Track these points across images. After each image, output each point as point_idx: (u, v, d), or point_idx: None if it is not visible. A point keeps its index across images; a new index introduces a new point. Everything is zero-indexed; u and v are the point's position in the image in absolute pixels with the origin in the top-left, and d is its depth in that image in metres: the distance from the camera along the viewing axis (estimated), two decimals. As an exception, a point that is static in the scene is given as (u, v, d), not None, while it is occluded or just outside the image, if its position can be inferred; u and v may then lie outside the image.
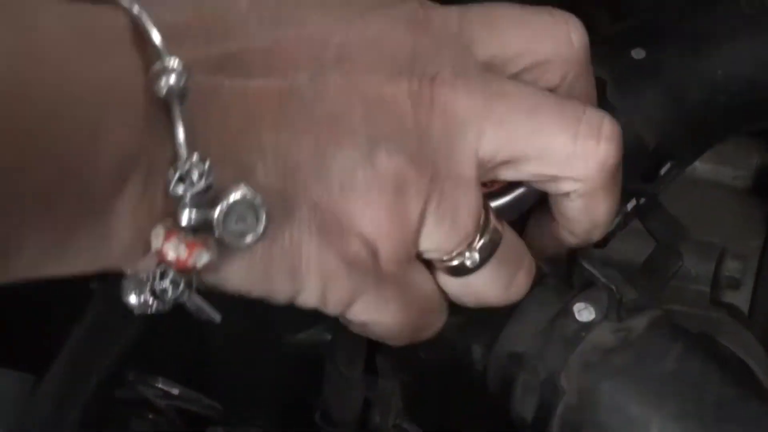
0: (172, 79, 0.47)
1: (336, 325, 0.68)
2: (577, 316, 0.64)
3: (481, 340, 0.66)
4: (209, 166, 0.48)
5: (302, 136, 0.52)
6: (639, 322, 0.63)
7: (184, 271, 0.49)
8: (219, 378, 0.80)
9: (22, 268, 0.46)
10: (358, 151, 0.53)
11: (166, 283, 0.49)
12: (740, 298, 0.85)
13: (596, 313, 0.63)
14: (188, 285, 0.50)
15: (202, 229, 0.49)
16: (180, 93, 0.47)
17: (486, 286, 0.60)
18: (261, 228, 0.50)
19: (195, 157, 0.47)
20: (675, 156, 0.71)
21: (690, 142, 0.73)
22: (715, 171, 0.91)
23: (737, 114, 0.73)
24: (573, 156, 0.58)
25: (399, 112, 0.54)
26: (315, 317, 0.76)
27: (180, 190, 0.48)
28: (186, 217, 0.48)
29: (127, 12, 0.48)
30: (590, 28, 0.89)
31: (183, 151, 0.47)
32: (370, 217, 0.54)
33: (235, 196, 0.49)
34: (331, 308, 0.56)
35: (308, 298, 0.55)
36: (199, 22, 0.51)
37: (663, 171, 0.71)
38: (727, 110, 0.72)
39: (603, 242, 0.70)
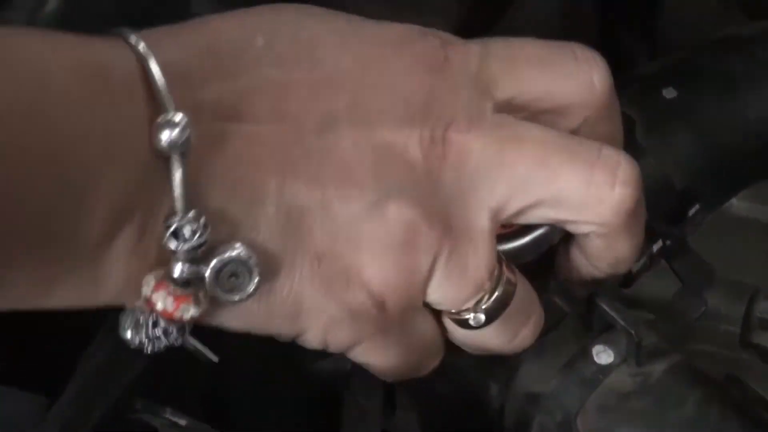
0: (175, 133, 0.46)
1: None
2: (595, 358, 0.63)
3: (498, 377, 0.66)
4: (204, 224, 0.47)
5: (308, 186, 0.51)
6: (658, 367, 0.63)
7: (173, 322, 0.49)
8: (236, 405, 0.80)
9: (8, 300, 0.46)
10: (366, 203, 0.52)
11: (159, 331, 0.49)
12: (773, 340, 0.84)
13: (615, 356, 0.63)
14: (181, 331, 0.50)
15: (194, 282, 0.49)
16: (181, 147, 0.46)
17: (491, 339, 0.59)
18: (252, 288, 0.50)
19: (191, 214, 0.47)
20: (704, 198, 0.71)
21: (719, 184, 0.72)
22: (752, 209, 0.90)
23: (768, 160, 0.73)
24: (587, 201, 0.57)
25: (410, 162, 0.53)
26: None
27: (172, 245, 0.47)
28: (177, 270, 0.48)
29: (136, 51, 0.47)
30: (629, 62, 0.88)
31: (179, 206, 0.47)
32: (378, 271, 0.53)
33: (229, 254, 0.49)
34: (333, 350, 0.56)
35: (310, 340, 0.55)
36: (211, 59, 0.50)
37: (691, 212, 0.70)
38: (758, 154, 0.72)
39: (628, 283, 0.70)
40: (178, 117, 0.46)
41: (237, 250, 0.49)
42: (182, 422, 0.60)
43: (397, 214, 0.53)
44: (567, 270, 0.64)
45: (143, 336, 0.50)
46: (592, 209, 0.57)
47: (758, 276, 0.86)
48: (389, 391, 0.69)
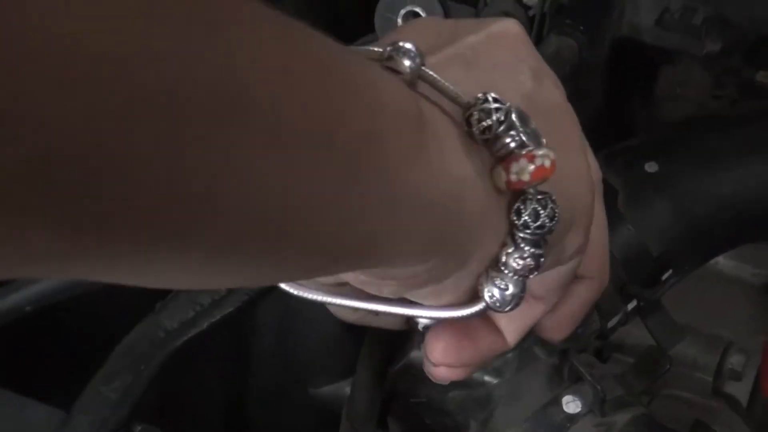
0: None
1: (354, 381, 0.69)
2: (564, 407, 0.64)
3: (478, 416, 0.67)
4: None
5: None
6: (621, 418, 0.64)
7: (544, 177, 0.45)
8: (253, 423, 0.81)
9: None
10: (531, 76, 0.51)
11: (536, 208, 0.45)
12: (741, 390, 0.84)
13: (582, 407, 0.64)
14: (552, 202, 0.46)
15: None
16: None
17: None
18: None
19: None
20: (677, 264, 0.72)
21: (693, 253, 0.73)
22: (737, 267, 0.91)
23: (741, 230, 0.74)
24: None
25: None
26: (342, 371, 0.78)
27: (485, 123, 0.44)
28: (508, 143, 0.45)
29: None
30: (630, 128, 0.90)
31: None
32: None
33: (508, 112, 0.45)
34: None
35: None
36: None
37: (664, 277, 0.71)
38: (731, 226, 0.73)
39: (603, 336, 0.71)
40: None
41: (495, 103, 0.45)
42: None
43: (552, 83, 0.51)
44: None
45: (516, 257, 0.46)
46: None
47: (734, 330, 0.87)
48: (382, 419, 0.71)
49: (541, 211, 0.45)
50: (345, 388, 0.75)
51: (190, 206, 0.31)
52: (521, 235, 0.45)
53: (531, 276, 0.47)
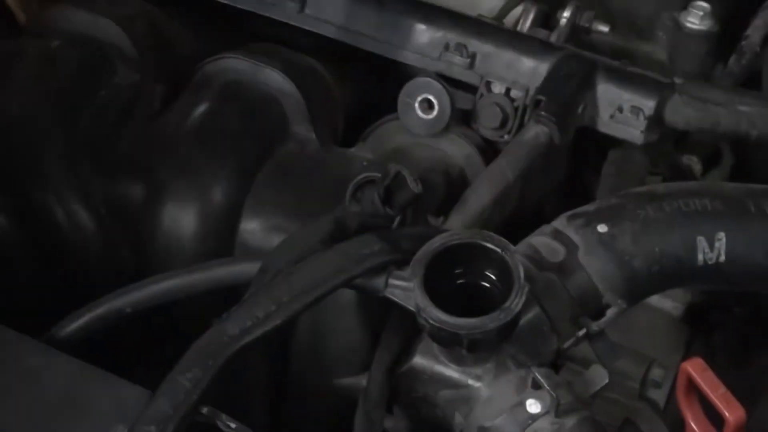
0: None
1: (369, 376, 0.74)
2: (528, 408, 0.70)
3: (462, 411, 0.72)
4: None
5: None
6: (570, 419, 0.69)
7: None
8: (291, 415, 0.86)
9: None
10: None
11: None
12: (660, 395, 0.90)
13: (542, 408, 0.69)
14: None
15: None
16: None
17: None
18: None
19: None
20: (617, 304, 0.77)
21: (629, 294, 0.78)
22: (660, 301, 0.96)
23: (665, 280, 0.78)
24: None
25: None
26: (360, 368, 0.83)
27: None
28: None
29: None
30: (587, 193, 0.95)
31: None
32: None
33: None
34: None
35: None
36: None
37: (608, 312, 0.76)
38: (657, 276, 0.77)
39: (559, 355, 0.76)
40: None
41: None
42: (233, 425, 0.64)
43: None
44: None
45: None
46: None
47: (656, 349, 0.92)
48: (389, 407, 0.76)
49: None
50: (362, 380, 0.79)
51: None
52: None
53: None
